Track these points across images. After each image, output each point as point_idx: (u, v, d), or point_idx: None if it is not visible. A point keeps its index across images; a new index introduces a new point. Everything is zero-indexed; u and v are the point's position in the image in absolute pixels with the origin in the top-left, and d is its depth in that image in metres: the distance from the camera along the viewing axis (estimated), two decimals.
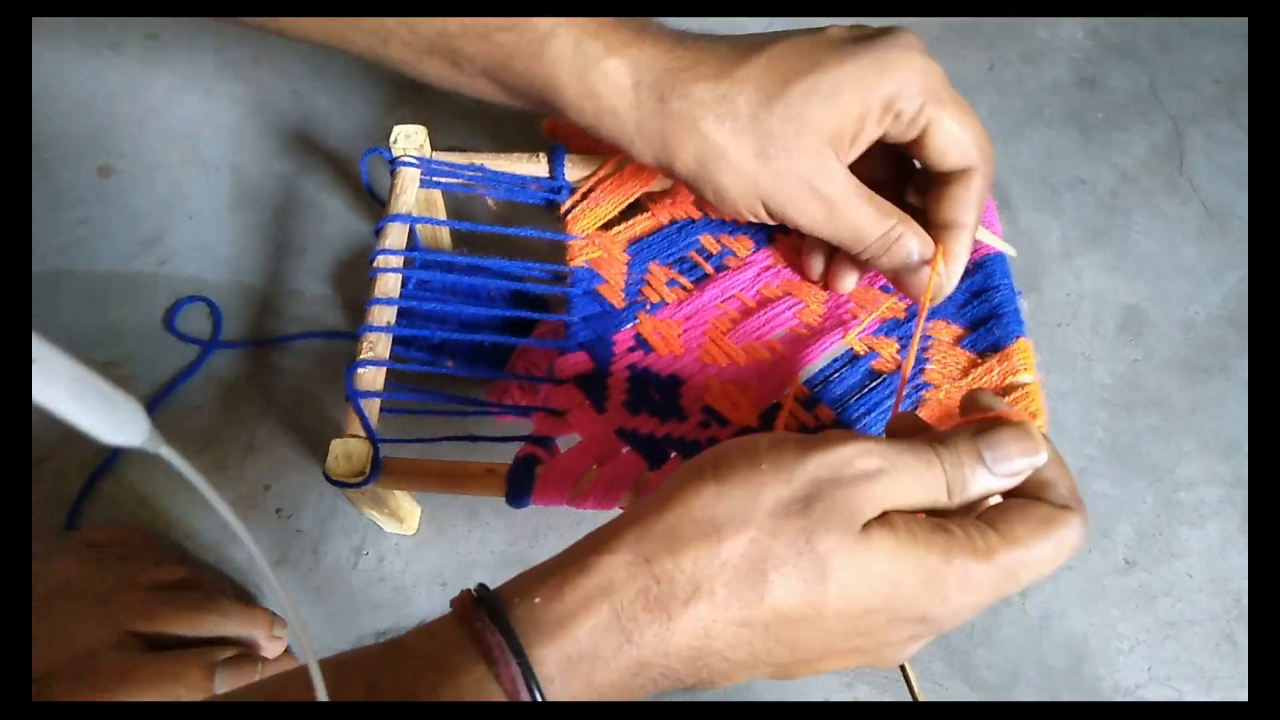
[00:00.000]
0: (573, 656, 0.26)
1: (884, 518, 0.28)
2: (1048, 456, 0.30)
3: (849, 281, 0.45)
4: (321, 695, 0.23)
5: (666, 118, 0.37)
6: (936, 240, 0.40)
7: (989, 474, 0.29)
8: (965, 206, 0.39)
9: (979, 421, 0.30)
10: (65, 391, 0.19)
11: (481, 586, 0.27)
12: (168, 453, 0.22)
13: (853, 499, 0.27)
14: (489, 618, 0.26)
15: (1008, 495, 0.31)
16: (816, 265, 0.45)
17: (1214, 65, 0.65)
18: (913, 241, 0.39)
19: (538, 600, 0.26)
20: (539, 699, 0.25)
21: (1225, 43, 0.65)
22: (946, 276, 0.40)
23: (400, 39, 0.38)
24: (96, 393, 0.20)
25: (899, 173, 0.42)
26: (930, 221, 0.40)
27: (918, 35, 0.38)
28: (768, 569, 0.26)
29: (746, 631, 0.27)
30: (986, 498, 0.30)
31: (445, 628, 0.27)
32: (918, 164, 0.40)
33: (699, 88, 0.37)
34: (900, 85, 0.36)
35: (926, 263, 0.40)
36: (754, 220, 0.40)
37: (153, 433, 0.21)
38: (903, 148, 0.39)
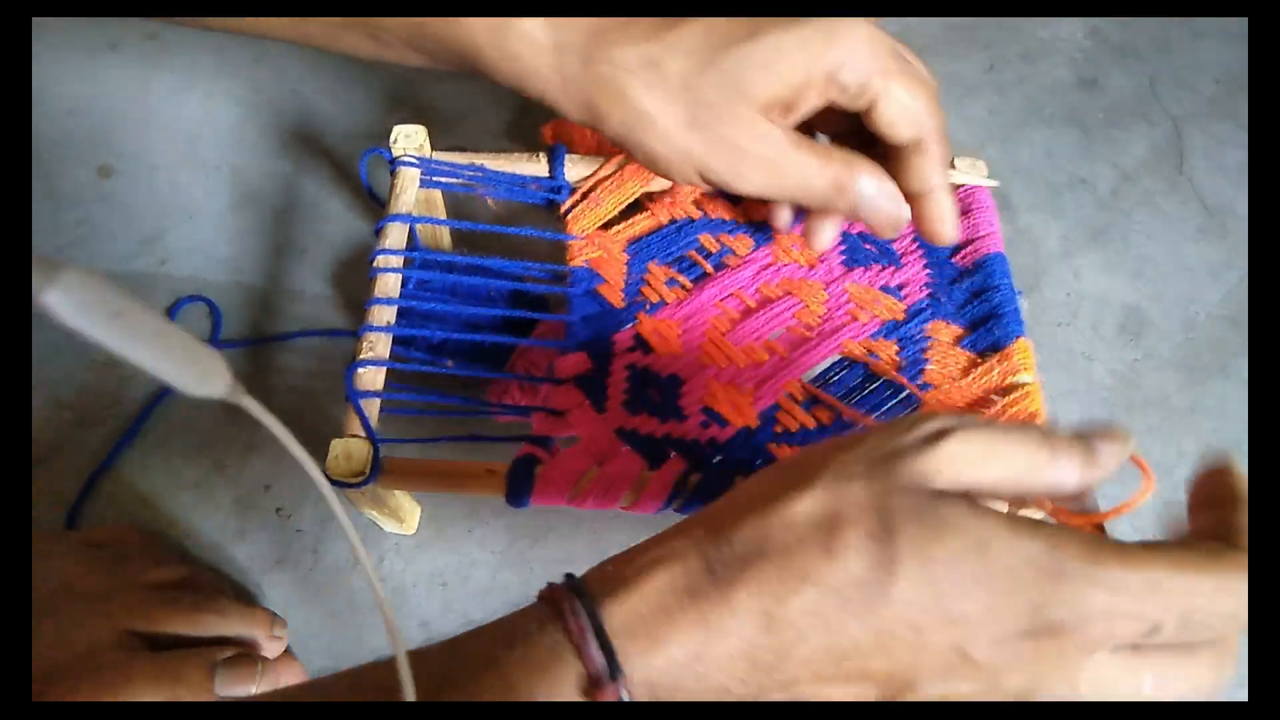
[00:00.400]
0: (642, 612, 0.25)
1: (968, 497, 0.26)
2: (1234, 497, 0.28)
3: (826, 236, 0.43)
4: (409, 694, 0.23)
5: (591, 82, 0.36)
6: (916, 208, 0.39)
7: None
8: (930, 171, 0.38)
9: None
10: (150, 345, 0.19)
11: (569, 575, 0.27)
12: (250, 403, 0.22)
13: (922, 461, 0.26)
14: (568, 589, 0.26)
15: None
16: (783, 215, 0.44)
17: (1214, 65, 0.65)
18: (865, 178, 0.38)
19: (610, 567, 0.27)
20: (608, 648, 0.25)
21: (1225, 43, 0.65)
22: (943, 233, 0.40)
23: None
24: (180, 345, 0.20)
25: (862, 138, 0.40)
26: (904, 193, 0.39)
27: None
28: (834, 527, 0.25)
29: (817, 595, 0.25)
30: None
31: (530, 607, 0.27)
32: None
33: (626, 51, 0.35)
34: (845, 56, 0.35)
35: (890, 193, 0.39)
36: (689, 185, 0.39)
37: (235, 383, 0.22)
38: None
